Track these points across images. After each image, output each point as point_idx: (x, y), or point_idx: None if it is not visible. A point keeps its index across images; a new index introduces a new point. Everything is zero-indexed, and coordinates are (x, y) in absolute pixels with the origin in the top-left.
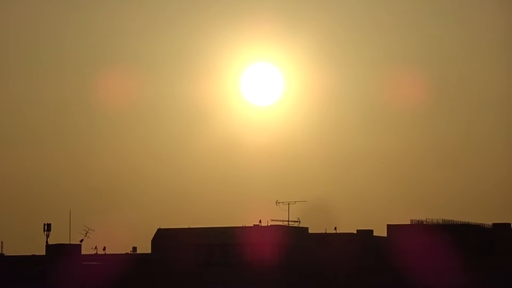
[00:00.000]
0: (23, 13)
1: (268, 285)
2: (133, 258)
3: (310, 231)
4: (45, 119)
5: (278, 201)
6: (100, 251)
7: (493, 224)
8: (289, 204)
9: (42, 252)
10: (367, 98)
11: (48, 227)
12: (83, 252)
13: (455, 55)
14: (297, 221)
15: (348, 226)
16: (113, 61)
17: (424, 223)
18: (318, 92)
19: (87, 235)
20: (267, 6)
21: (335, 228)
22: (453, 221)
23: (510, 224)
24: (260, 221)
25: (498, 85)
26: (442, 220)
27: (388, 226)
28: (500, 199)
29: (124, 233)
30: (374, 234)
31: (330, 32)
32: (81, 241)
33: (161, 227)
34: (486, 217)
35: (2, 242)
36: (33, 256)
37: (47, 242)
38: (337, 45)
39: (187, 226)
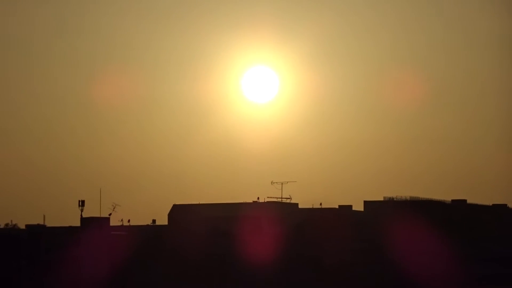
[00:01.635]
0: (36, 16)
1: (267, 249)
2: (153, 229)
3: (300, 206)
4: (77, 116)
5: (273, 182)
6: (126, 223)
7: (452, 200)
8: (282, 184)
9: (77, 224)
10: (351, 94)
11: (82, 203)
12: (111, 223)
13: (450, 57)
14: (288, 198)
15: (330, 201)
16: (126, 63)
17: (395, 199)
18: (309, 91)
19: (115, 209)
20: (264, 13)
21: (320, 204)
22: (419, 197)
23: (466, 200)
24: (258, 198)
25: (459, 78)
26: (410, 197)
27: (365, 202)
28: (456, 178)
29: (145, 208)
30: (353, 208)
31: (321, 38)
32: (110, 214)
33: (176, 203)
34: (445, 194)
35: (44, 216)
36: (70, 227)
37: (81, 215)
38: (326, 50)
39: (197, 202)
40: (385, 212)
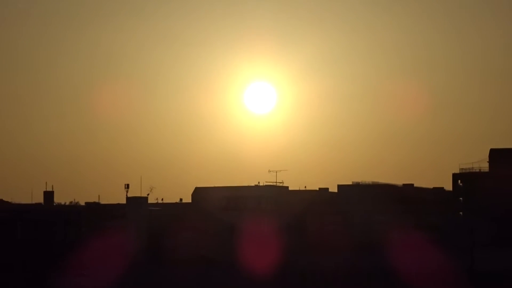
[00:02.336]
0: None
1: (265, 220)
2: (180, 206)
3: (290, 188)
4: (125, 121)
5: (270, 170)
6: (160, 201)
7: (403, 184)
8: (276, 172)
9: (124, 201)
10: (338, 102)
11: (127, 186)
12: (149, 201)
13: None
14: (281, 182)
15: (313, 185)
16: (140, 78)
17: (360, 183)
18: (302, 103)
19: (152, 191)
20: (262, 33)
21: (305, 186)
22: (378, 182)
23: (413, 184)
24: (258, 182)
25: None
26: (372, 181)
27: (338, 185)
28: (406, 167)
29: (175, 190)
30: (330, 190)
31: (315, 55)
32: (148, 194)
33: (197, 186)
34: (397, 180)
35: (99, 195)
36: (118, 204)
37: (127, 195)
38: (319, 66)
39: (213, 185)
40: (353, 193)
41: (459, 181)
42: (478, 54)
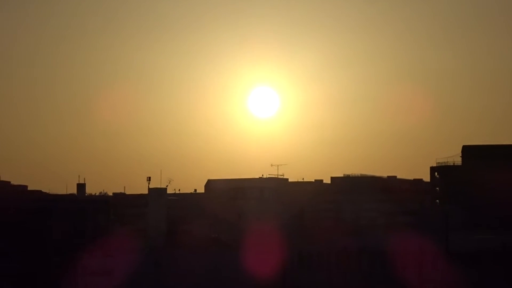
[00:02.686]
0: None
1: (268, 208)
2: (194, 195)
3: (289, 180)
4: (148, 125)
5: (272, 164)
6: (177, 191)
7: (387, 176)
8: (278, 166)
9: (146, 192)
10: (334, 105)
11: (149, 179)
12: (168, 191)
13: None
14: (282, 175)
15: (309, 177)
16: (156, 85)
17: (350, 175)
18: (304, 107)
19: (170, 182)
20: (267, 37)
21: (303, 178)
22: (366, 174)
23: (396, 176)
24: (262, 175)
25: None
26: (360, 174)
27: (331, 177)
28: (389, 161)
29: (190, 181)
30: (324, 182)
31: (315, 62)
32: (167, 186)
33: (209, 178)
34: (382, 172)
35: (124, 187)
36: (141, 194)
37: (148, 186)
38: (318, 73)
39: (222, 178)
40: (344, 184)
41: (436, 173)
42: (453, 61)
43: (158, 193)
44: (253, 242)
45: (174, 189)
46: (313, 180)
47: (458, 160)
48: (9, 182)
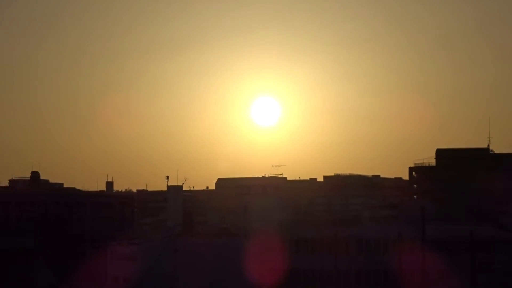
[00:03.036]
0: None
1: (269, 202)
2: (207, 192)
3: (288, 179)
4: (165, 134)
5: (273, 165)
6: (191, 188)
7: (372, 175)
8: (278, 166)
9: (165, 189)
10: (327, 113)
11: (167, 177)
12: (184, 188)
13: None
14: (281, 174)
15: (305, 176)
16: (171, 96)
17: (340, 174)
18: (302, 116)
19: (186, 181)
20: (269, 49)
21: (300, 177)
22: (353, 173)
23: (379, 175)
24: (264, 174)
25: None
26: (349, 173)
27: (324, 176)
28: (372, 163)
29: (203, 180)
30: (318, 180)
31: (314, 74)
32: (183, 183)
33: (219, 177)
34: (367, 171)
35: (146, 184)
36: (161, 191)
37: (167, 184)
38: (317, 83)
39: (231, 177)
40: (335, 182)
41: (414, 172)
42: (426, 74)
43: (175, 190)
44: (256, 231)
45: (189, 186)
46: (308, 179)
47: (432, 161)
48: (48, 180)
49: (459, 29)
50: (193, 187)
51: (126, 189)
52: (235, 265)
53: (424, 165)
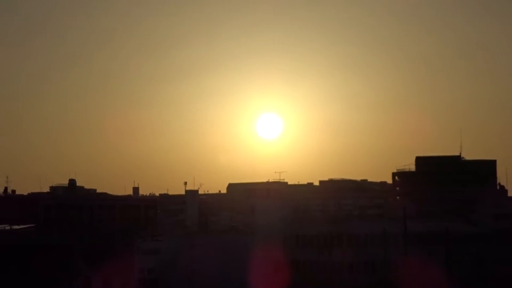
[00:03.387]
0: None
1: (273, 204)
2: (219, 195)
3: (288, 183)
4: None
5: (275, 171)
6: (206, 192)
7: (360, 179)
8: (280, 172)
9: (183, 193)
10: (323, 127)
11: (185, 183)
12: (200, 192)
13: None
14: (283, 179)
15: (303, 181)
16: (187, 114)
17: (333, 179)
18: (301, 130)
19: (201, 186)
20: (272, 72)
21: (299, 182)
22: (345, 178)
23: (367, 179)
24: (268, 179)
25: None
26: (341, 178)
27: (320, 181)
28: (361, 169)
29: (216, 185)
30: (314, 184)
31: (311, 94)
32: (198, 188)
33: (230, 182)
34: (356, 176)
35: (167, 189)
36: (180, 195)
37: (185, 189)
38: (314, 103)
39: (239, 182)
40: (329, 185)
41: (396, 177)
42: (406, 93)
43: (192, 194)
44: (262, 227)
45: (204, 191)
46: (306, 183)
47: (412, 167)
48: (83, 186)
49: (436, 52)
50: (207, 191)
51: (150, 194)
52: (243, 258)
53: (405, 170)
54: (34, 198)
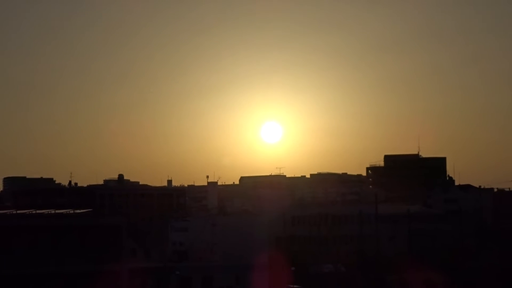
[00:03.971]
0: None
1: (275, 192)
2: (233, 186)
3: (287, 176)
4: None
5: (276, 167)
6: (223, 184)
7: (342, 172)
8: (280, 168)
9: (206, 183)
10: (313, 132)
11: (207, 176)
12: (219, 183)
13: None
14: (282, 173)
15: (298, 174)
16: (208, 122)
17: (321, 172)
18: (298, 135)
19: (219, 178)
20: (274, 83)
21: (294, 175)
22: (330, 172)
23: (361, 174)
24: (271, 173)
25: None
26: (327, 172)
27: (311, 174)
28: (345, 162)
29: (231, 177)
30: (306, 177)
31: (307, 106)
32: (217, 180)
33: (242, 175)
34: (346, 170)
35: (194, 181)
36: (204, 185)
37: (207, 181)
38: (311, 113)
39: (249, 175)
40: (318, 178)
41: (369, 171)
42: (376, 105)
43: (213, 185)
44: (267, 210)
45: (222, 182)
46: (300, 176)
47: (382, 163)
48: (129, 180)
49: (402, 75)
50: (224, 183)
51: (180, 185)
52: (252, 234)
53: (377, 166)
54: (92, 189)
